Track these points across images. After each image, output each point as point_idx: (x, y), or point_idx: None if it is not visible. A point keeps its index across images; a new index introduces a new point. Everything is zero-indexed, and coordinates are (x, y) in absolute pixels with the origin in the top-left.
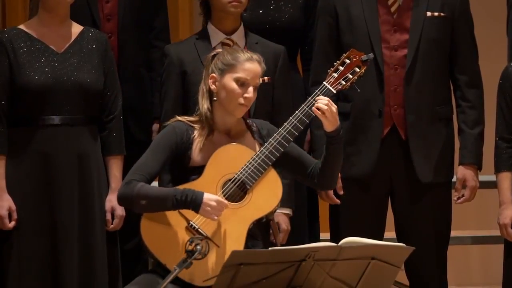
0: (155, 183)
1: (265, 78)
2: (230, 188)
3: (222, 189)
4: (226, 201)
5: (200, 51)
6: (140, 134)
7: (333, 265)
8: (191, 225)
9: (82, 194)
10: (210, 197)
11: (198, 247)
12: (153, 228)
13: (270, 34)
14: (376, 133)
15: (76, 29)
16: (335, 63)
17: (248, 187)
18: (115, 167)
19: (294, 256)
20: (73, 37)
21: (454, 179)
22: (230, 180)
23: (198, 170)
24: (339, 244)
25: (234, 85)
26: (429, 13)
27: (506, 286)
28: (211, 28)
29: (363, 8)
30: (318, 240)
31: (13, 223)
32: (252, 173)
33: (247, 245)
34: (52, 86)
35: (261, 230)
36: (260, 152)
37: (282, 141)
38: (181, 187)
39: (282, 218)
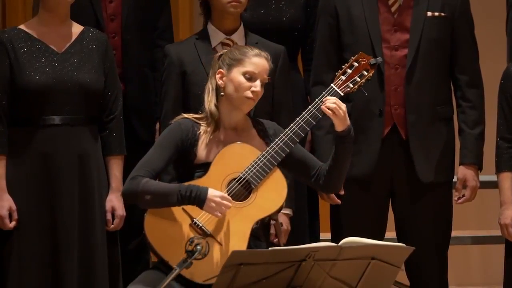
0: None
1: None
2: (235, 187)
3: (227, 188)
4: (230, 198)
5: (200, 51)
6: (144, 133)
7: (333, 265)
8: (195, 222)
9: (83, 194)
10: (215, 193)
11: (198, 247)
12: (157, 224)
13: (271, 34)
14: (377, 133)
15: (77, 29)
16: (343, 66)
17: (253, 186)
18: (116, 167)
19: (294, 256)
20: (74, 37)
21: (454, 179)
22: (235, 179)
23: (204, 167)
24: (339, 244)
25: (242, 79)
26: (429, 13)
27: (507, 286)
28: (211, 28)
29: (363, 8)
30: (319, 240)
31: (13, 223)
32: (257, 173)
33: (249, 245)
34: (52, 86)
35: (264, 231)
36: (266, 152)
37: (289, 141)
38: (186, 183)
39: (282, 218)
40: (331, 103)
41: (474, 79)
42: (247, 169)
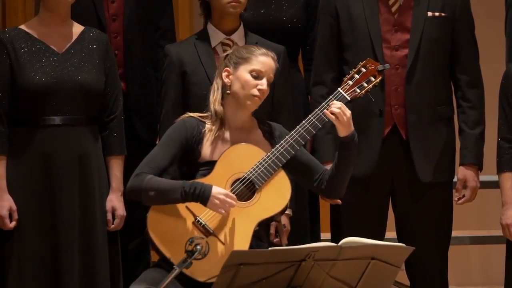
0: None
1: None
2: (239, 187)
3: (231, 187)
4: (234, 196)
5: (200, 51)
6: (145, 133)
7: (333, 265)
8: (198, 220)
9: (83, 194)
10: (219, 191)
11: (198, 247)
12: (160, 221)
13: (271, 33)
14: (377, 132)
15: (77, 29)
16: (350, 71)
17: (257, 187)
18: (116, 167)
19: (294, 256)
20: (74, 37)
21: (455, 179)
22: (239, 179)
23: (208, 165)
24: (339, 244)
25: (248, 77)
26: (430, 13)
27: (508, 286)
28: (211, 28)
29: (364, 8)
30: (319, 240)
31: (13, 223)
32: (262, 174)
33: (251, 245)
34: (53, 86)
35: (265, 232)
36: (271, 153)
37: (294, 144)
38: (190, 181)
39: (283, 218)
40: (336, 108)
41: (474, 79)
42: (251, 170)
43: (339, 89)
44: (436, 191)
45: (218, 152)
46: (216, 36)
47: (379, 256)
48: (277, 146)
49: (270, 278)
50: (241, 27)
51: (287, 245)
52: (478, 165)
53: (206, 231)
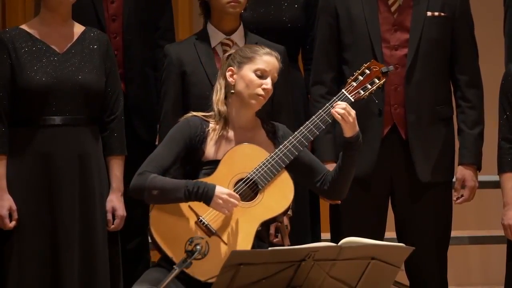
0: None
1: None
2: (242, 187)
3: (234, 187)
4: (238, 196)
5: (200, 51)
6: (145, 133)
7: (333, 265)
8: (201, 220)
9: (83, 195)
10: (222, 190)
11: (198, 247)
12: (163, 220)
13: (271, 33)
14: (377, 132)
15: (78, 29)
16: (354, 73)
17: (260, 187)
18: (116, 167)
19: (294, 256)
20: (75, 37)
21: (454, 179)
22: (242, 179)
23: (211, 164)
24: (339, 244)
25: (253, 76)
26: (429, 13)
27: (508, 286)
28: (210, 28)
29: (363, 7)
30: (319, 240)
31: (13, 223)
32: (265, 174)
33: (253, 246)
34: (53, 86)
35: (267, 232)
36: (274, 154)
37: (297, 144)
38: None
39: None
40: (341, 108)
41: (474, 79)
42: (255, 170)
43: (343, 90)
44: (436, 190)
45: (221, 151)
46: (216, 36)
47: (379, 256)
48: (281, 146)
49: (270, 278)
50: (241, 27)
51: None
52: (477, 165)
53: (208, 231)
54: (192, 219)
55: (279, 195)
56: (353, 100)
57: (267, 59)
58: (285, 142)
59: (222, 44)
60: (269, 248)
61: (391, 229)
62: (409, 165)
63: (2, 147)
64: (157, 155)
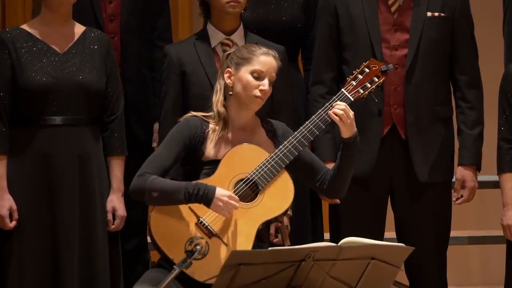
0: None
1: None
2: (242, 188)
3: (234, 188)
4: (237, 198)
5: (200, 51)
6: (142, 134)
7: (333, 265)
8: (201, 221)
9: (83, 195)
10: (223, 193)
11: (198, 247)
12: (162, 222)
13: (271, 33)
14: (376, 132)
15: (79, 29)
16: (354, 72)
17: (260, 188)
18: (117, 167)
19: (294, 256)
20: (76, 37)
21: (454, 179)
22: (242, 180)
23: (211, 164)
24: (338, 244)
25: (249, 77)
26: (429, 13)
27: (508, 286)
28: (210, 28)
29: (363, 7)
30: (320, 241)
31: (14, 223)
32: (265, 174)
33: (254, 246)
34: (53, 86)
35: (267, 232)
36: (274, 154)
37: (297, 144)
38: (193, 182)
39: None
40: (339, 109)
41: (474, 79)
42: (255, 171)
43: (342, 89)
44: (435, 191)
45: (221, 151)
46: (216, 36)
47: (379, 256)
48: (280, 147)
49: (270, 278)
50: (241, 27)
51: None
52: (476, 165)
53: (209, 232)
54: (193, 220)
55: (279, 196)
56: (352, 99)
57: (263, 60)
58: (285, 142)
59: (222, 44)
60: (269, 248)
61: (391, 229)
62: (408, 165)
63: (3, 147)
64: (157, 155)
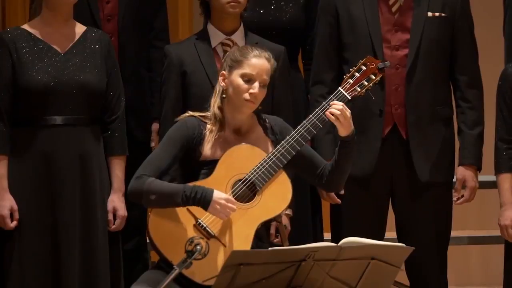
0: None
1: None
2: (240, 188)
3: (232, 189)
4: (235, 201)
5: (200, 51)
6: (140, 134)
7: (333, 265)
8: (199, 223)
9: (84, 195)
10: (220, 196)
11: (198, 247)
12: (161, 224)
13: (271, 33)
14: (377, 132)
15: (79, 29)
16: (351, 69)
17: (258, 188)
18: (118, 167)
19: (294, 256)
20: (76, 37)
21: (454, 179)
22: (240, 180)
23: (209, 165)
24: (339, 244)
25: (240, 81)
26: (430, 13)
27: (507, 286)
28: (211, 28)
29: (364, 8)
30: (320, 240)
31: (14, 222)
32: (262, 175)
33: (253, 247)
34: (54, 86)
35: (266, 232)
36: (272, 154)
37: (295, 144)
38: (191, 184)
39: (283, 218)
40: (336, 109)
41: (474, 79)
42: (252, 171)
43: (339, 88)
44: (436, 191)
45: (219, 153)
46: (216, 36)
47: (379, 256)
48: (278, 146)
49: (270, 278)
50: (241, 27)
51: (289, 245)
52: (477, 166)
53: (207, 234)
54: (191, 222)
55: (277, 196)
56: (349, 97)
57: (254, 63)
58: (282, 141)
59: (223, 44)
60: (269, 248)
61: (391, 229)
62: (409, 165)
63: (3, 147)
64: (154, 157)
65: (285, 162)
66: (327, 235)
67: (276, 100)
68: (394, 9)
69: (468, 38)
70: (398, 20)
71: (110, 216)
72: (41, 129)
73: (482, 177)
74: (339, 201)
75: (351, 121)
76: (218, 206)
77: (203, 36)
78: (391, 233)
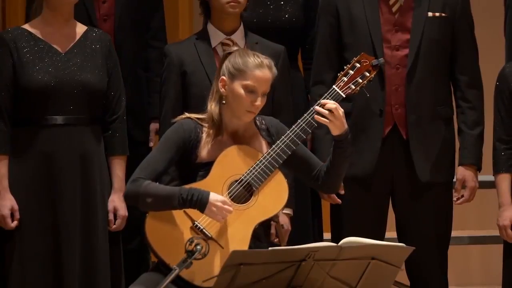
0: None
1: None
2: (236, 189)
3: (228, 190)
4: (232, 203)
5: (200, 51)
6: (137, 134)
7: (333, 265)
8: (196, 225)
9: (85, 195)
10: (217, 198)
11: (198, 247)
12: (158, 227)
13: (271, 33)
14: (377, 132)
15: (80, 29)
16: (345, 67)
17: (255, 189)
18: (118, 167)
19: (294, 256)
20: (77, 37)
21: (454, 179)
22: (236, 181)
23: (206, 167)
24: (339, 244)
25: (242, 92)
26: (430, 13)
27: (506, 286)
28: (211, 28)
29: (364, 8)
30: (320, 241)
31: (15, 222)
32: (258, 175)
33: (250, 247)
34: (55, 86)
35: (264, 231)
36: (267, 154)
37: (290, 143)
38: (187, 186)
39: (283, 218)
40: (327, 108)
41: (474, 79)
42: (248, 171)
43: (334, 86)
44: (436, 191)
45: (215, 154)
46: (216, 36)
47: (379, 256)
48: (273, 146)
49: (270, 278)
50: (241, 27)
51: (290, 245)
52: (477, 166)
53: (204, 236)
54: (188, 224)
55: (274, 196)
56: (344, 95)
57: (257, 74)
58: (278, 141)
59: (223, 44)
60: (269, 248)
61: (391, 229)
62: (409, 165)
63: (4, 147)
64: (151, 160)
65: (281, 162)
66: (327, 235)
67: (276, 101)
68: (394, 9)
69: (469, 38)
70: (399, 20)
71: (111, 216)
72: (42, 129)
73: (482, 177)
74: (339, 201)
75: (344, 120)
76: (214, 208)
77: (203, 36)
78: (391, 233)
